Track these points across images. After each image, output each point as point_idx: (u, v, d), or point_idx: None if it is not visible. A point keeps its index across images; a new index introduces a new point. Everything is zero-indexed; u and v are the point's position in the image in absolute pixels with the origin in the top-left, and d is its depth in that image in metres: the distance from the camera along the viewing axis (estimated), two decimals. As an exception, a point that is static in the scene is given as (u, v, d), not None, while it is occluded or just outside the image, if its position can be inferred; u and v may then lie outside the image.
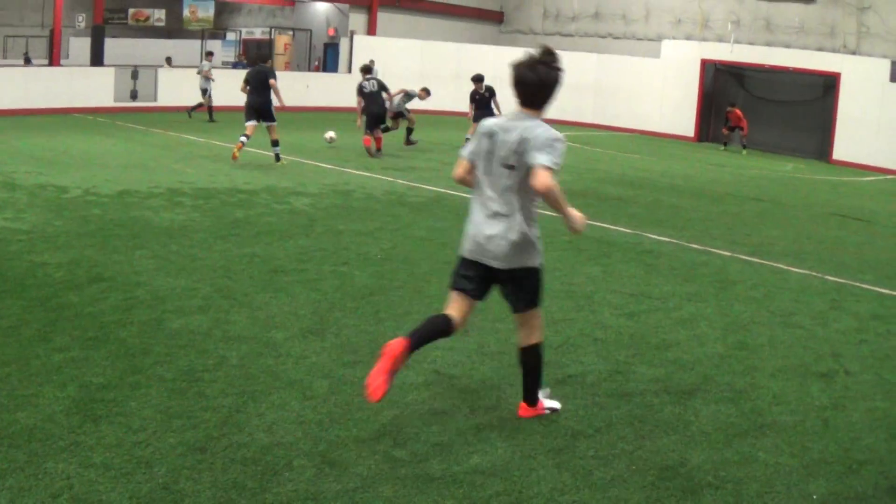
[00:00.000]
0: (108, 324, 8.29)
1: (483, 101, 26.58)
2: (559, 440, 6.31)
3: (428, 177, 19.48)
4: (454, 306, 6.59)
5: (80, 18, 44.99)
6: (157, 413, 6.35)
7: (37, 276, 9.98)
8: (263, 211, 14.37)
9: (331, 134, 25.03)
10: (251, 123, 20.69)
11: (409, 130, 27.03)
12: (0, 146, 22.96)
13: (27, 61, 44.61)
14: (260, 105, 20.68)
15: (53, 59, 40.19)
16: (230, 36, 51.34)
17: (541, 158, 6.09)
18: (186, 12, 45.00)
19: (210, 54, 35.71)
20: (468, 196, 15.61)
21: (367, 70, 25.13)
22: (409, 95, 26.98)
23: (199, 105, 32.95)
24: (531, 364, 6.72)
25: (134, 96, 35.40)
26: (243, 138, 20.53)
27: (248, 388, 6.90)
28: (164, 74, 36.93)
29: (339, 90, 39.57)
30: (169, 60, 40.99)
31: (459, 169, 6.68)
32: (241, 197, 15.65)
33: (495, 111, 26.21)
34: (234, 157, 20.27)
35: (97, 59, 38.10)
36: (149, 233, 12.36)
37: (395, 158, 22.94)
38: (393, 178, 19.05)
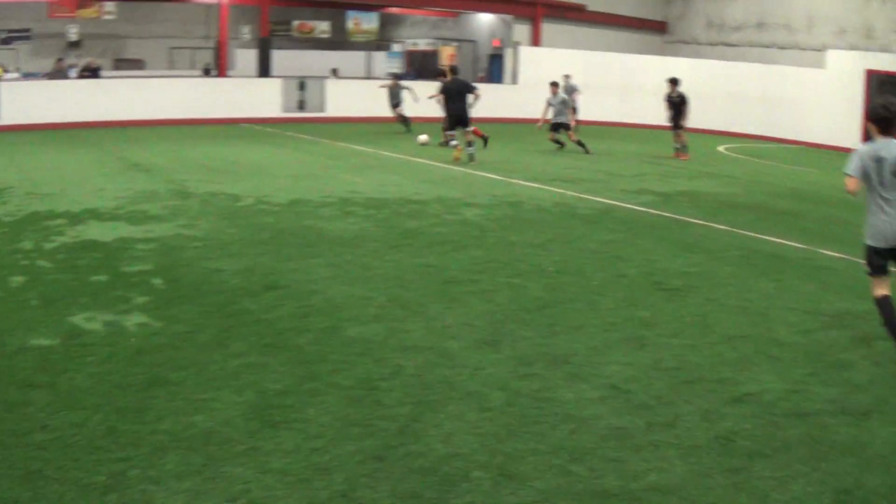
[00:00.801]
0: (284, 331, 8.40)
1: (675, 105, 26.43)
2: (736, 460, 6.14)
3: (597, 188, 19.28)
4: (884, 285, 8.49)
5: (246, 30, 45.83)
6: (335, 420, 6.37)
7: (212, 282, 10.20)
8: (435, 221, 14.39)
9: (423, 137, 26.46)
10: (454, 132, 23.48)
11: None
12: (172, 155, 23.57)
13: (207, 72, 45.51)
14: (462, 113, 23.40)
15: (220, 70, 41.00)
16: (395, 48, 51.78)
17: None
18: (350, 24, 45.41)
19: (397, 77, 35.98)
20: (638, 209, 15.48)
21: (455, 72, 26.38)
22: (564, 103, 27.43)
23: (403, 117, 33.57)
24: None
25: (302, 107, 35.96)
26: (454, 142, 23.62)
27: (424, 398, 6.88)
28: (332, 85, 37.41)
29: (504, 101, 39.57)
30: (335, 72, 41.50)
31: (852, 184, 8.40)
32: (413, 207, 15.71)
33: (684, 117, 26.16)
34: (457, 158, 23.17)
35: (264, 70, 38.77)
36: (322, 242, 12.49)
37: (563, 169, 22.79)
38: (562, 189, 18.90)
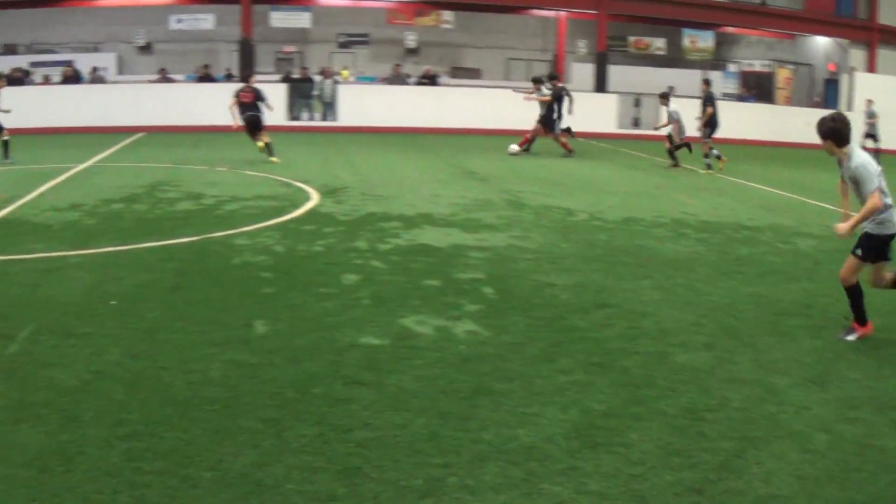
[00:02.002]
0: (612, 351, 8.33)
1: None
2: None
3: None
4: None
5: (582, 45, 46.08)
6: (657, 448, 6.25)
7: (543, 295, 10.26)
8: (767, 250, 13.90)
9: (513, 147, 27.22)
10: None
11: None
12: (506, 165, 23.96)
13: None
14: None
15: (559, 84, 41.27)
16: (730, 67, 51.06)
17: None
18: (686, 42, 45.13)
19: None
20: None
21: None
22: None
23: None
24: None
25: (636, 124, 35.87)
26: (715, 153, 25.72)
27: (748, 434, 6.64)
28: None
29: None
30: (671, 90, 41.22)
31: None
32: (746, 233, 15.26)
33: None
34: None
35: (600, 85, 38.86)
36: (654, 262, 12.35)
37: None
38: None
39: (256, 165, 22.52)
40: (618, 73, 41.93)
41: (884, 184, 8.97)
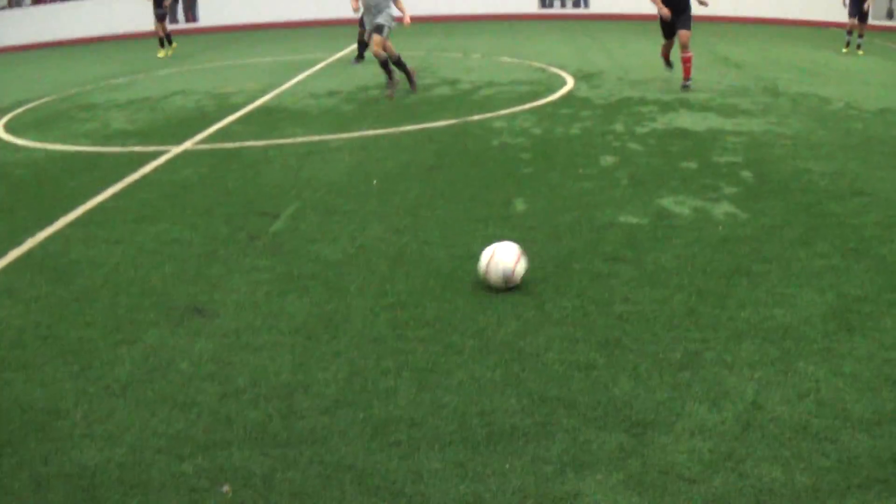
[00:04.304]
0: (868, 238, 8.04)
1: None
2: None
3: None
4: None
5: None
6: (913, 333, 5.96)
7: (800, 181, 10.00)
8: None
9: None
10: None
11: None
12: (762, 53, 23.33)
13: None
14: None
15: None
16: None
17: None
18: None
19: None
20: None
21: None
22: None
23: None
24: None
25: (890, 15, 34.51)
26: None
27: None
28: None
29: None
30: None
31: None
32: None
33: None
34: None
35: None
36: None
37: None
38: None
39: (512, 52, 22.62)
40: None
41: None
